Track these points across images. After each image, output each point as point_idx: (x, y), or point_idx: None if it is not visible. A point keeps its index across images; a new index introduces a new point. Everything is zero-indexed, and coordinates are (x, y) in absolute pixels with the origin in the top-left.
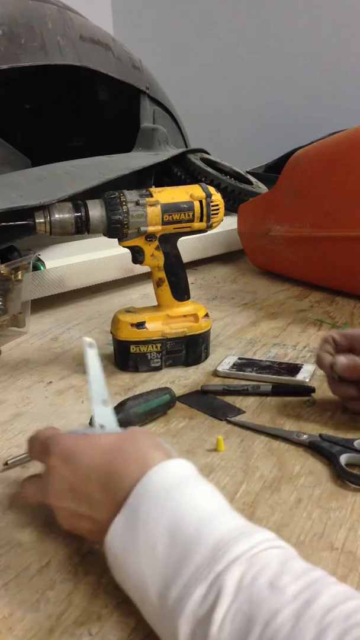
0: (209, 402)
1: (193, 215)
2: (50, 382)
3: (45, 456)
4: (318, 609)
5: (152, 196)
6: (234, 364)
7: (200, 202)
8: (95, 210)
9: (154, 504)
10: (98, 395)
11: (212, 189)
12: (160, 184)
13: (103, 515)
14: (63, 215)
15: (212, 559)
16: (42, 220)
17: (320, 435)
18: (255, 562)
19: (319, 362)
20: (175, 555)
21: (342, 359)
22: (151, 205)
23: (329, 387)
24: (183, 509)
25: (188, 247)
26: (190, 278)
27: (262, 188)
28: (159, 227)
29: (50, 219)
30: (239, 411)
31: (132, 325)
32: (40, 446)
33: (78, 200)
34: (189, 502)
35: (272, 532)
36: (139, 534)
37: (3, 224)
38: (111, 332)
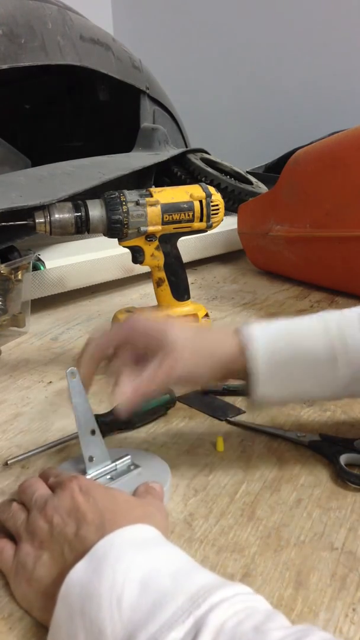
0: (209, 402)
1: (193, 215)
2: (50, 382)
3: (64, 482)
4: None
5: (152, 196)
6: None
7: (200, 202)
8: (95, 210)
9: (124, 553)
10: (85, 425)
11: (212, 189)
12: (160, 184)
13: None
14: (63, 215)
15: (192, 605)
16: (42, 220)
17: (320, 435)
18: (239, 609)
19: None
20: (148, 604)
21: None
22: (151, 205)
23: None
24: (157, 562)
25: (188, 247)
26: (190, 278)
27: (262, 188)
28: (159, 227)
29: (50, 219)
30: (239, 411)
31: None
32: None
33: (78, 200)
34: (162, 556)
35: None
36: (104, 579)
37: (3, 224)
38: None
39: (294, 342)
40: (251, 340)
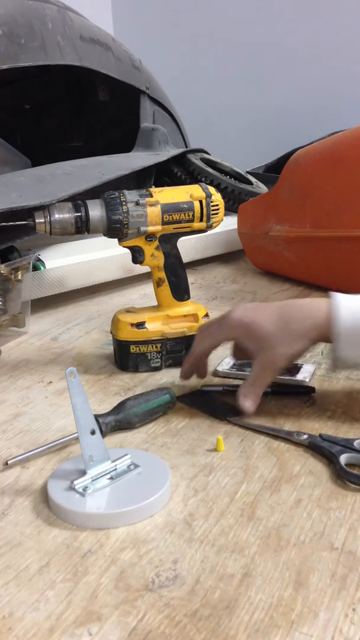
0: (209, 402)
1: (193, 215)
2: (50, 382)
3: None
4: None
5: (152, 196)
6: (234, 364)
7: (200, 202)
8: (95, 210)
9: None
10: (84, 425)
11: (212, 189)
12: (160, 184)
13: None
14: (63, 215)
15: None
16: (42, 220)
17: (320, 435)
18: None
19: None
20: None
21: None
22: (151, 205)
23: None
24: None
25: (188, 247)
26: (190, 278)
27: (262, 188)
28: (159, 227)
29: (50, 219)
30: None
31: (132, 325)
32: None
33: (78, 200)
34: None
35: None
36: None
37: (3, 224)
38: (111, 332)
39: None
40: (337, 310)
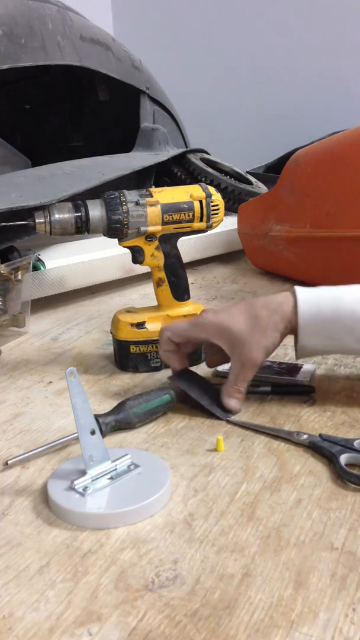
0: (199, 381)
1: (193, 215)
2: (50, 382)
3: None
4: None
5: (152, 196)
6: None
7: (200, 202)
8: (95, 210)
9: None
10: (84, 425)
11: (212, 189)
12: (160, 184)
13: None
14: (63, 215)
15: None
16: (42, 220)
17: (320, 435)
18: None
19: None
20: None
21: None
22: (151, 205)
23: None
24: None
25: (188, 247)
26: (190, 278)
27: (262, 188)
28: (159, 227)
29: (50, 219)
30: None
31: (132, 325)
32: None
33: (78, 200)
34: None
35: None
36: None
37: (3, 224)
38: (111, 332)
39: (337, 305)
40: (298, 304)
